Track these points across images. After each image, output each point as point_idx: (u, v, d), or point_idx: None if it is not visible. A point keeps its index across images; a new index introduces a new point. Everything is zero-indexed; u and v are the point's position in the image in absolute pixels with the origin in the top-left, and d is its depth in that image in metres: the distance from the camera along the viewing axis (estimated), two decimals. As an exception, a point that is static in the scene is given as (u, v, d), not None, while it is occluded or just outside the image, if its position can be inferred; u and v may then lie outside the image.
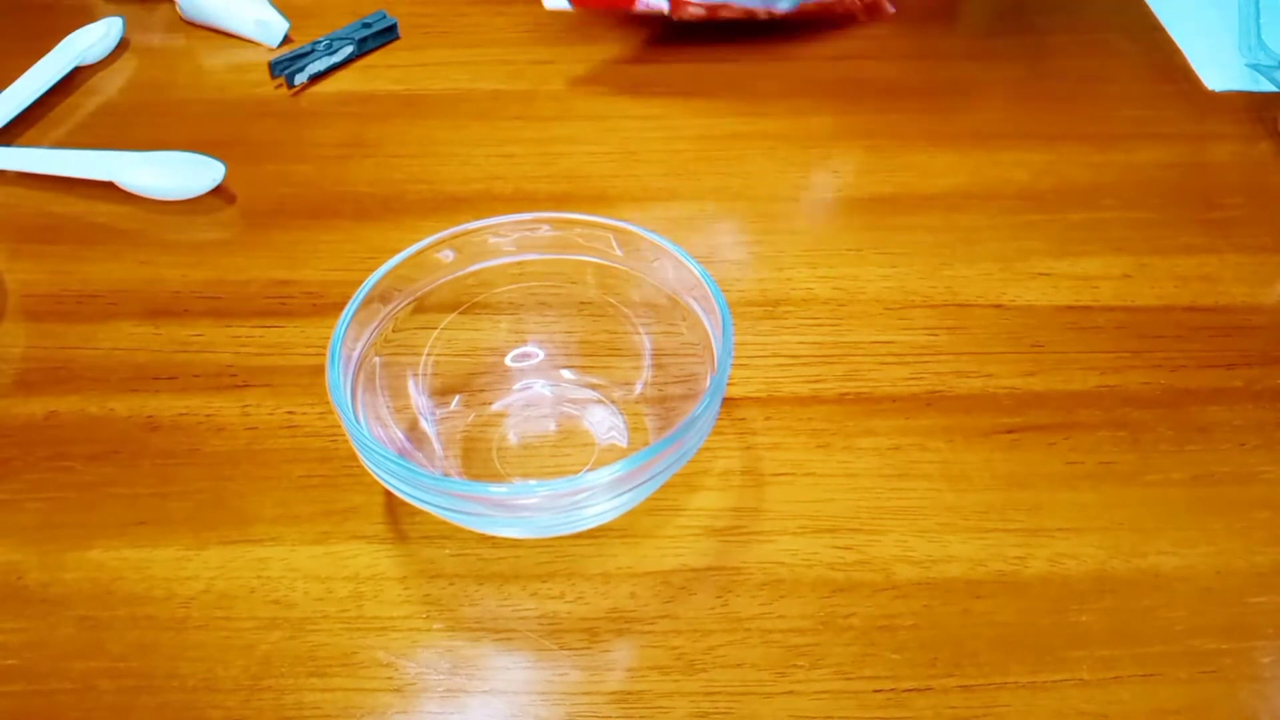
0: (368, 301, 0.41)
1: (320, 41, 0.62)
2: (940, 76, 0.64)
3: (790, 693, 0.38)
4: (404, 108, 0.61)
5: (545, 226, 0.45)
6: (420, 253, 0.43)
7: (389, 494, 0.42)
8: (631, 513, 0.41)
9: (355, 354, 0.41)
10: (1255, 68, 0.64)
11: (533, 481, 0.43)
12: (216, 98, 0.62)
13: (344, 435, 0.43)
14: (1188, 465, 0.44)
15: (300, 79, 0.61)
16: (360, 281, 0.42)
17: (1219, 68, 0.64)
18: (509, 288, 0.46)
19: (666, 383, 0.45)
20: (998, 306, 0.50)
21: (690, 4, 0.59)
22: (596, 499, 0.38)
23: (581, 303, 0.46)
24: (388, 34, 0.65)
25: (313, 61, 0.61)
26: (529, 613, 0.40)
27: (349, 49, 0.63)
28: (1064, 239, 0.54)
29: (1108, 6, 0.71)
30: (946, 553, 0.42)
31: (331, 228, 0.54)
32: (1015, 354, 0.48)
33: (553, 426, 0.45)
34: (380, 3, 0.67)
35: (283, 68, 0.61)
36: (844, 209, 0.56)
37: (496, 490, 0.40)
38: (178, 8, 0.65)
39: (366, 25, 0.64)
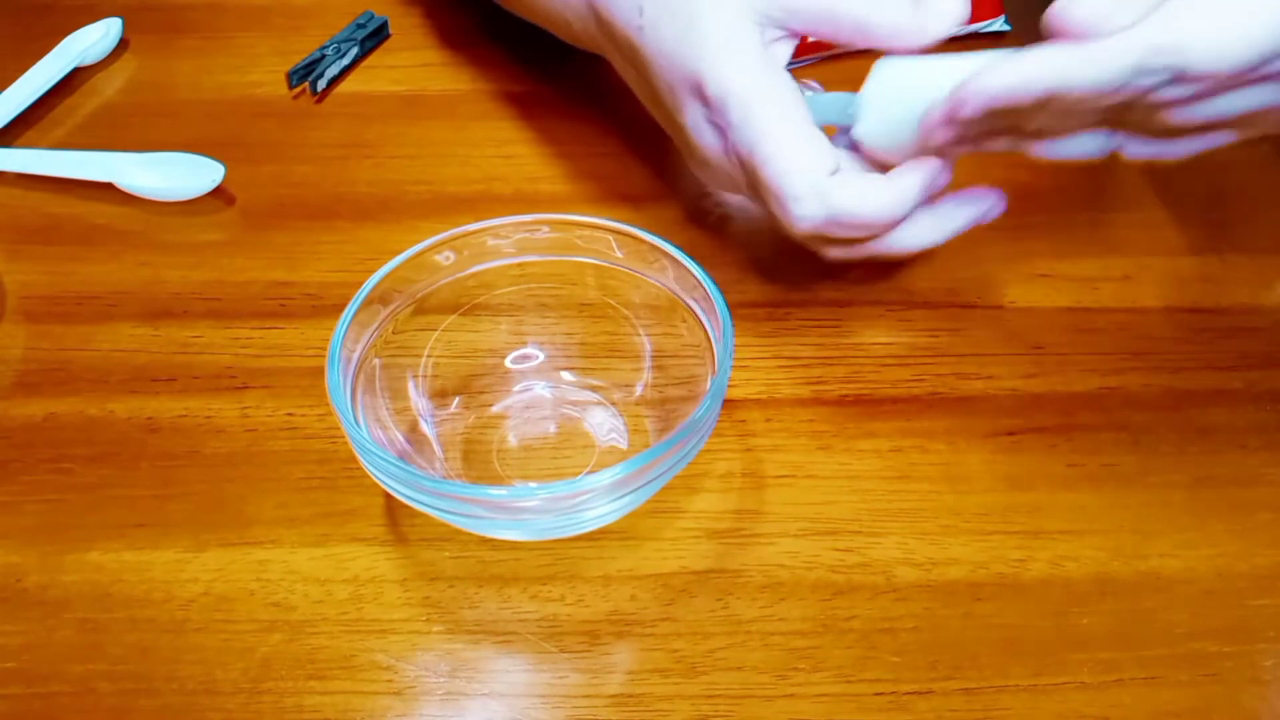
0: (368, 303, 0.41)
1: (328, 46, 0.63)
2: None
3: (791, 695, 0.38)
4: (404, 108, 0.61)
5: (545, 228, 0.45)
6: (420, 254, 0.43)
7: (389, 496, 0.42)
8: (632, 515, 0.41)
9: (355, 356, 0.41)
10: (1256, 68, 0.64)
11: (533, 484, 0.43)
12: (216, 98, 0.62)
13: (344, 437, 0.42)
14: (1189, 467, 0.44)
15: (322, 84, 0.61)
16: (360, 283, 0.42)
17: (1220, 68, 0.64)
18: (509, 289, 0.46)
19: (667, 384, 0.45)
20: (999, 308, 0.50)
21: None
22: (597, 501, 0.38)
23: (582, 304, 0.46)
24: (381, 33, 0.65)
25: (328, 66, 0.61)
26: (529, 615, 0.40)
27: (355, 50, 0.63)
28: (1065, 240, 0.54)
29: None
30: (947, 555, 0.41)
31: (331, 229, 0.54)
32: (1016, 355, 0.48)
33: (553, 428, 0.45)
34: (377, 4, 0.67)
35: (301, 76, 0.61)
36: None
37: (496, 493, 0.40)
38: None
39: (361, 26, 0.64)
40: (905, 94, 0.42)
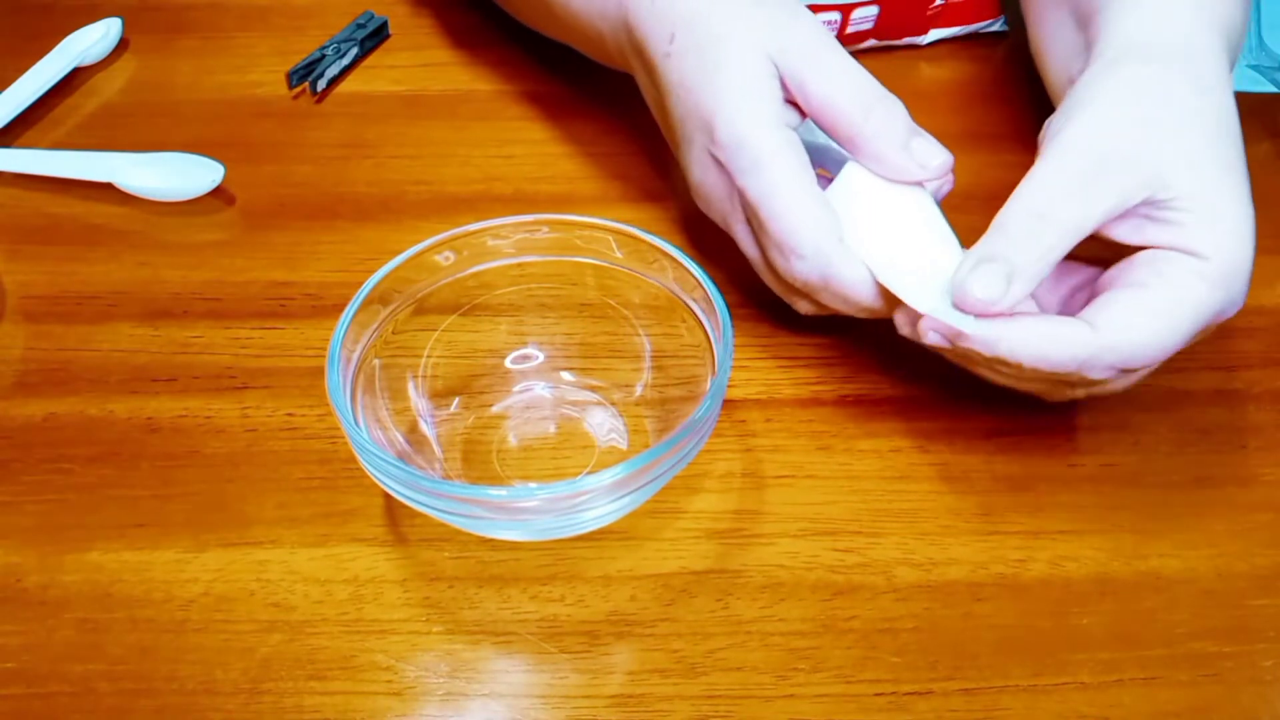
0: (367, 303, 0.41)
1: (328, 46, 0.63)
2: (940, 77, 0.64)
3: (791, 696, 0.38)
4: (404, 108, 0.61)
5: (545, 228, 0.45)
6: (420, 254, 0.43)
7: (389, 496, 0.42)
8: (632, 515, 0.41)
9: (355, 356, 0.41)
10: (1256, 69, 0.64)
11: (533, 484, 0.43)
12: (216, 98, 0.62)
13: (344, 437, 0.42)
14: (1188, 467, 0.44)
15: (322, 84, 0.61)
16: (360, 283, 0.42)
17: (1220, 68, 0.64)
18: (509, 289, 0.46)
19: (666, 385, 0.45)
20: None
21: None
22: (597, 502, 0.38)
23: (581, 304, 0.46)
24: (380, 33, 0.65)
25: (328, 66, 0.61)
26: (529, 616, 0.40)
27: (354, 50, 0.63)
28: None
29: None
30: (947, 555, 0.41)
31: (331, 229, 0.54)
32: (1016, 356, 0.48)
33: (553, 429, 0.45)
34: (377, 4, 0.67)
35: (301, 76, 0.61)
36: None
37: (496, 493, 0.40)
38: None
39: (361, 26, 0.64)
40: (857, 204, 0.43)
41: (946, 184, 0.44)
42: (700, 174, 0.46)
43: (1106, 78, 0.42)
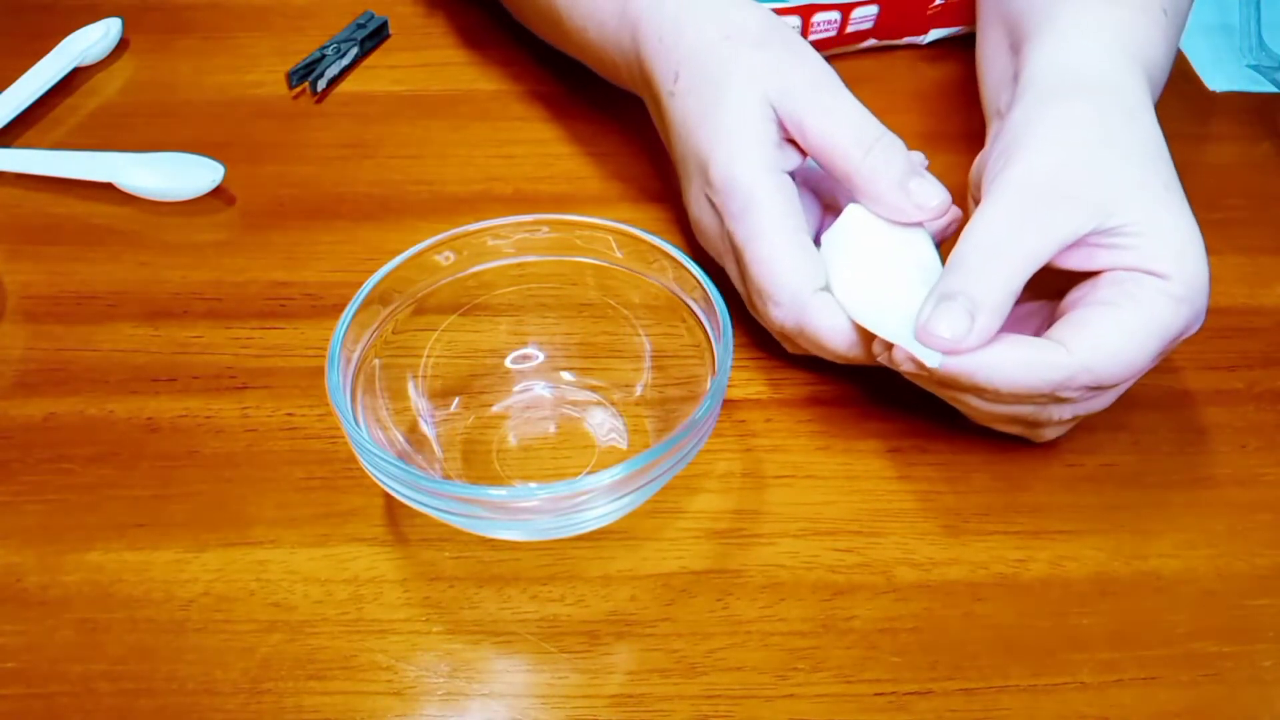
0: (367, 303, 0.41)
1: (328, 46, 0.63)
2: (940, 77, 0.64)
3: (791, 696, 0.38)
4: (404, 108, 0.61)
5: (545, 228, 0.45)
6: (420, 254, 0.43)
7: (389, 496, 0.42)
8: (632, 515, 0.41)
9: (355, 356, 0.41)
10: (1256, 69, 0.64)
11: (533, 484, 0.43)
12: (216, 98, 0.62)
13: (344, 437, 0.42)
14: (1188, 467, 0.44)
15: (322, 84, 0.61)
16: (360, 283, 0.42)
17: (1220, 68, 0.64)
18: (509, 289, 0.46)
19: (667, 385, 0.45)
20: (998, 308, 0.50)
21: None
22: (597, 501, 0.38)
23: (581, 304, 0.46)
24: (381, 33, 0.65)
25: (329, 66, 0.61)
26: (529, 615, 0.40)
27: (354, 50, 0.63)
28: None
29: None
30: (947, 555, 0.41)
31: (331, 229, 0.54)
32: (1016, 356, 0.48)
33: (553, 429, 0.45)
34: (376, 4, 0.67)
35: (301, 76, 0.61)
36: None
37: (496, 493, 0.40)
38: None
39: (361, 26, 0.64)
40: (851, 244, 0.43)
41: (951, 224, 0.44)
42: (698, 212, 0.46)
43: (1040, 116, 0.43)
